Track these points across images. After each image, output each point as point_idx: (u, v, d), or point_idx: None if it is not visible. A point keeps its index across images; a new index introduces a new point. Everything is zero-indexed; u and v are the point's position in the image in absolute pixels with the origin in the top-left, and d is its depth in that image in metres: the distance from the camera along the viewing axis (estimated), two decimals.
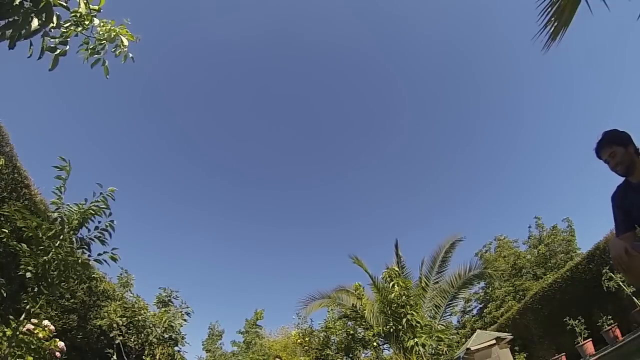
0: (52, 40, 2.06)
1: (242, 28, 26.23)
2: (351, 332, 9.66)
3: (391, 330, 7.81)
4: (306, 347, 9.89)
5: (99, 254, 3.34)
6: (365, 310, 9.65)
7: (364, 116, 31.98)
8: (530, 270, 19.44)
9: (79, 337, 5.50)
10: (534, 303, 10.14)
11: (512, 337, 8.55)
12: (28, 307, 3.07)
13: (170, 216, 31.31)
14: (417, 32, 28.18)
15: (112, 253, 3.36)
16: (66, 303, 5.28)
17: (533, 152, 29.80)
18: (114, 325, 5.91)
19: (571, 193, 30.38)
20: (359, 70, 30.11)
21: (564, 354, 8.57)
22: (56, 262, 3.01)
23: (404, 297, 7.62)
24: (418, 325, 7.39)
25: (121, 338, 6.00)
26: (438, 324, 9.44)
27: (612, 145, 1.96)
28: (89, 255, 3.35)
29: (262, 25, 26.38)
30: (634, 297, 6.67)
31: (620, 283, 6.80)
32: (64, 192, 3.19)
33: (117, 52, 2.40)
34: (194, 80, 28.45)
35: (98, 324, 5.78)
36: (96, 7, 2.22)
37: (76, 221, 3.17)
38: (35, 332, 3.24)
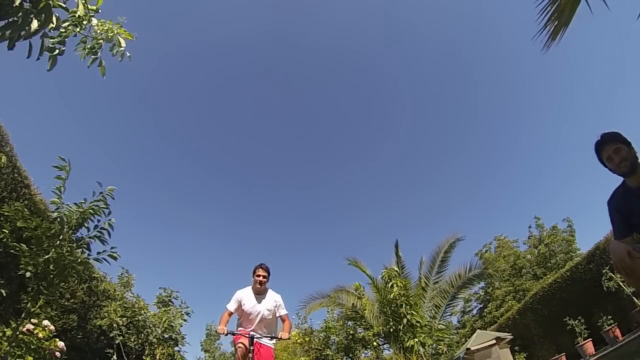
0: (50, 40, 2.06)
1: (243, 28, 26.25)
2: (351, 332, 9.66)
3: (391, 330, 7.81)
4: (306, 347, 9.88)
5: (99, 253, 3.34)
6: (365, 310, 9.65)
7: (363, 116, 32.01)
8: (530, 270, 19.42)
9: (79, 337, 5.50)
10: (534, 303, 10.14)
11: (512, 337, 8.55)
12: (28, 306, 3.07)
13: (171, 216, 31.33)
14: (417, 32, 28.18)
15: (111, 251, 3.36)
16: (66, 303, 5.28)
17: (533, 152, 29.81)
18: (114, 325, 5.91)
19: (571, 193, 30.39)
20: (358, 70, 30.12)
21: (564, 354, 8.57)
22: (56, 261, 3.01)
23: (403, 297, 7.62)
24: (418, 325, 7.39)
25: (121, 338, 5.99)
26: (438, 324, 9.43)
27: (617, 142, 1.97)
28: (89, 255, 3.35)
29: (263, 25, 26.38)
30: (634, 297, 6.67)
31: (620, 283, 6.80)
32: (63, 192, 3.20)
33: (114, 52, 2.40)
34: (194, 80, 28.46)
35: (98, 324, 5.78)
36: (94, 7, 2.22)
37: (75, 221, 3.17)
38: (35, 332, 3.24)
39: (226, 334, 3.74)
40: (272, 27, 26.74)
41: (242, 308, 3.93)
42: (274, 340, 3.92)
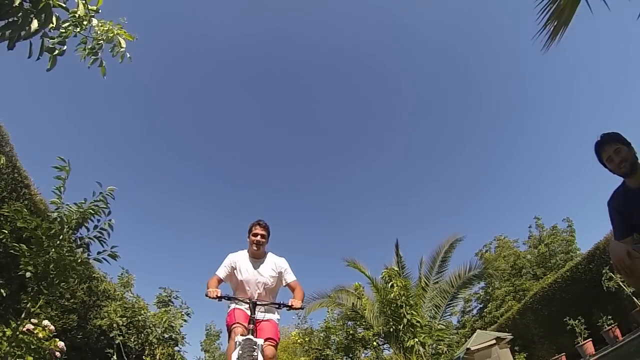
0: (50, 40, 2.06)
1: (244, 29, 26.25)
2: (351, 332, 9.66)
3: (391, 330, 7.81)
4: (306, 347, 9.88)
5: (99, 253, 3.35)
6: (365, 310, 9.64)
7: (364, 116, 32.03)
8: (530, 270, 19.43)
9: (79, 337, 5.50)
10: (534, 303, 10.14)
11: (512, 337, 8.55)
12: (28, 306, 3.07)
13: (171, 215, 31.34)
14: (418, 32, 28.20)
15: (111, 251, 3.37)
16: (66, 303, 5.28)
17: (533, 152, 29.81)
18: (114, 325, 5.91)
19: (571, 193, 30.40)
20: (360, 70, 30.14)
21: (564, 354, 8.57)
22: (56, 261, 3.01)
23: (403, 297, 7.62)
24: (418, 325, 7.39)
25: (121, 338, 5.99)
26: (438, 324, 9.42)
27: (617, 142, 1.97)
28: (89, 255, 3.36)
29: (264, 25, 26.39)
30: (634, 297, 6.67)
31: (620, 283, 6.80)
32: (63, 192, 3.20)
33: (114, 52, 2.41)
34: (194, 80, 28.47)
35: (98, 324, 5.78)
36: (94, 8, 2.22)
37: (75, 221, 3.17)
38: (35, 332, 3.25)
39: (220, 299, 2.72)
40: (274, 27, 26.77)
41: (237, 276, 3.00)
42: (279, 311, 2.98)
